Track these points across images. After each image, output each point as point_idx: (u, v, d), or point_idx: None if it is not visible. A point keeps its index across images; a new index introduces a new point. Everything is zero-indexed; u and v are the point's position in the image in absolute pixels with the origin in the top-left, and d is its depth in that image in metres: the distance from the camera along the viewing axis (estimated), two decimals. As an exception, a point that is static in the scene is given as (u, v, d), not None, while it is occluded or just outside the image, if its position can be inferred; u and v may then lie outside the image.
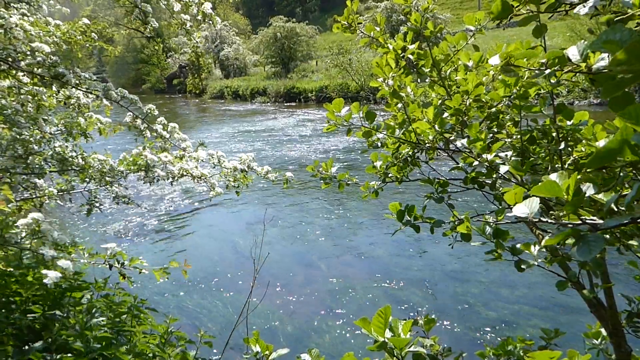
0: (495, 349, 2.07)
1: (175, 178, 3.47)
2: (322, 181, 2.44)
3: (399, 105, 2.07)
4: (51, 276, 2.02)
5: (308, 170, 2.41)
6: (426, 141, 1.97)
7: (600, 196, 0.80)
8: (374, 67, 2.09)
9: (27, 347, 2.24)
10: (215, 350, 4.80)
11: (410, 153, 2.15)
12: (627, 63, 0.70)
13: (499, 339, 4.99)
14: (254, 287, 2.61)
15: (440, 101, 2.07)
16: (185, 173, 3.47)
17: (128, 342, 2.43)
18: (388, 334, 1.21)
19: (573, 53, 1.03)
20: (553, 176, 0.80)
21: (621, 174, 1.05)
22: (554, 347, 2.12)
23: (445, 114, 1.94)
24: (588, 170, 0.95)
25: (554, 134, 1.72)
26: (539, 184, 0.78)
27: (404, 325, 1.25)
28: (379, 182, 2.30)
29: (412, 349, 1.20)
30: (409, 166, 2.22)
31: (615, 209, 0.86)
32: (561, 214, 0.86)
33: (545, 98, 1.72)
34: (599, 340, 2.11)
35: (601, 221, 0.78)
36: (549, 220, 0.85)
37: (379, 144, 2.20)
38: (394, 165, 2.23)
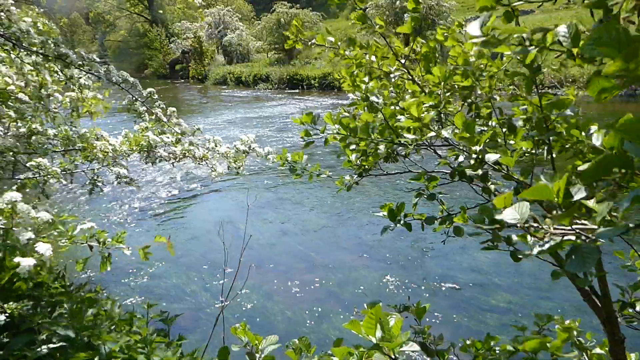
0: (477, 345, 2.09)
1: (177, 159, 3.47)
2: (291, 173, 2.44)
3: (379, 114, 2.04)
4: (24, 264, 1.81)
5: (277, 160, 2.39)
6: (407, 138, 1.96)
7: (591, 203, 0.78)
8: (344, 85, 2.07)
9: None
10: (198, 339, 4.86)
11: (389, 151, 2.13)
12: (626, 70, 0.65)
13: (488, 331, 5.03)
14: (237, 273, 2.63)
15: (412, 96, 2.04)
16: (187, 154, 3.47)
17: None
18: (379, 333, 1.20)
19: (563, 35, 0.94)
20: (543, 179, 0.79)
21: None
22: (547, 333, 2.15)
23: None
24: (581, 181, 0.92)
25: (542, 124, 1.70)
26: (531, 187, 0.76)
27: (394, 324, 1.23)
28: (356, 176, 2.27)
29: (405, 348, 1.19)
30: (388, 161, 2.20)
31: (609, 218, 0.83)
32: (550, 220, 0.84)
33: (530, 86, 1.69)
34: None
35: (594, 226, 0.76)
36: (540, 226, 0.83)
37: (354, 147, 2.18)
38: (369, 158, 2.20)
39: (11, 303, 2.47)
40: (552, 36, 1.01)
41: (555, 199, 0.79)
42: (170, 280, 6.59)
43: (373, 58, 2.01)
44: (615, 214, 0.75)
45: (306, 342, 1.43)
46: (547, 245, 0.76)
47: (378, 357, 1.35)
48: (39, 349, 2.20)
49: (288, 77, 31.85)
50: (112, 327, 2.48)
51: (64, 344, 2.24)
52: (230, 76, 37.74)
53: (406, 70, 1.99)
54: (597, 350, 2.07)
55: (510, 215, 0.84)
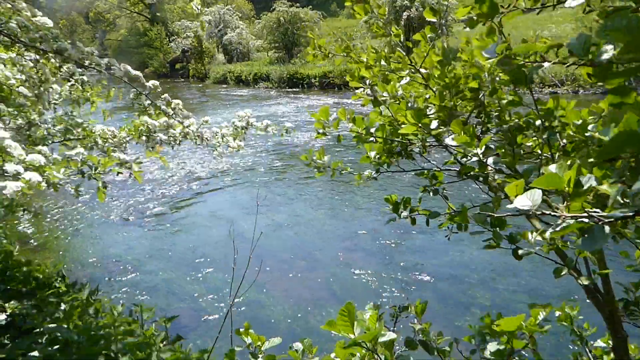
0: (479, 328, 2.10)
1: (177, 141, 3.48)
2: (315, 170, 2.45)
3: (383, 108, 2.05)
4: (10, 186, 1.76)
5: (302, 160, 2.41)
6: (414, 140, 1.96)
7: (604, 187, 0.80)
8: (349, 80, 2.08)
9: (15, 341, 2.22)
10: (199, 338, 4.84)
11: (402, 148, 2.13)
12: (634, 51, 0.68)
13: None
14: (246, 271, 2.62)
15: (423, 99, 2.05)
16: (187, 136, 3.47)
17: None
18: (358, 329, 1.20)
19: (575, 45, 0.97)
20: (552, 167, 0.79)
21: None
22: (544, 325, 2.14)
23: (432, 110, 1.92)
24: (594, 161, 0.94)
25: (538, 123, 1.70)
26: (540, 176, 0.77)
27: (370, 317, 1.24)
28: (373, 172, 2.29)
29: (383, 339, 1.19)
30: (402, 157, 2.21)
31: (621, 201, 0.85)
32: (563, 206, 0.86)
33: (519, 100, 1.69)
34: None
35: (605, 214, 0.78)
36: (552, 213, 0.84)
37: (372, 139, 2.19)
38: (387, 156, 2.21)
39: (12, 302, 2.46)
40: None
41: (566, 188, 0.80)
42: (171, 278, 6.59)
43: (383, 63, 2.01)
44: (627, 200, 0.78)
45: (308, 344, 1.43)
46: (560, 227, 0.78)
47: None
48: (42, 350, 2.20)
49: (288, 75, 31.83)
50: (118, 329, 2.47)
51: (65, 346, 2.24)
52: (231, 75, 37.71)
53: (421, 75, 1.99)
54: (600, 343, 2.06)
55: (522, 202, 0.85)
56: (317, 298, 5.90)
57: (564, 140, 1.67)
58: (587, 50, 0.97)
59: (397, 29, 1.98)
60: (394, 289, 6.01)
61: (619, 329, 1.82)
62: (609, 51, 0.89)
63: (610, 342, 2.02)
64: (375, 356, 1.17)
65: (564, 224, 0.80)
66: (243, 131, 3.87)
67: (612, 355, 1.94)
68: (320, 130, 1.99)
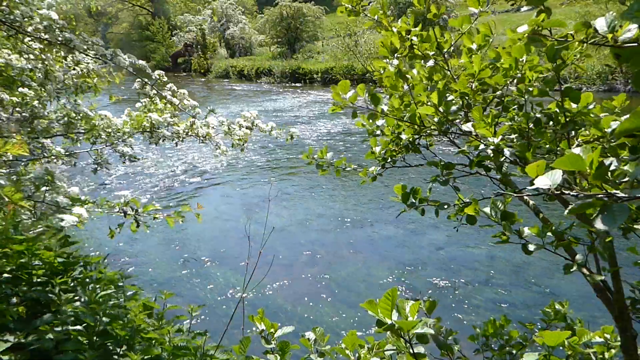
0: (484, 330, 2.09)
1: (181, 138, 3.49)
2: (318, 169, 2.43)
3: (405, 87, 2.03)
4: (67, 219, 1.98)
5: (304, 158, 2.40)
6: (431, 125, 1.94)
7: (625, 168, 0.80)
8: (380, 47, 2.05)
9: (35, 320, 2.22)
10: (208, 330, 4.82)
11: (411, 139, 2.11)
12: None
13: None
14: (256, 266, 2.61)
15: (444, 84, 2.04)
16: (190, 132, 3.48)
17: (125, 318, 2.40)
18: (395, 316, 1.21)
19: (600, 25, 1.03)
20: (577, 150, 0.80)
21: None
22: (556, 330, 2.12)
23: (451, 97, 1.90)
24: (613, 142, 0.94)
25: (561, 118, 1.69)
26: (562, 157, 0.78)
27: (411, 307, 1.25)
28: (378, 168, 2.27)
29: (419, 330, 1.20)
30: (409, 151, 2.20)
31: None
32: (583, 185, 0.86)
33: (553, 81, 1.68)
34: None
35: (624, 195, 0.78)
36: (571, 193, 0.84)
37: (379, 132, 2.17)
38: (394, 152, 2.20)
39: (24, 287, 2.44)
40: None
41: (588, 170, 0.80)
42: (177, 271, 6.59)
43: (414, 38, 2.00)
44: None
45: (320, 332, 1.43)
46: (579, 203, 0.79)
47: (389, 348, 1.34)
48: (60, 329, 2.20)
49: (290, 70, 31.80)
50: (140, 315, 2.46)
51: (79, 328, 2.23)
52: (233, 69, 37.66)
53: (444, 60, 1.97)
54: (596, 338, 2.04)
55: (543, 181, 0.86)
56: (321, 293, 5.90)
57: (579, 139, 1.66)
58: (613, 29, 1.02)
59: (408, 17, 1.96)
60: (399, 284, 6.00)
61: (629, 327, 1.81)
62: (632, 30, 0.93)
63: (607, 336, 2.00)
64: (407, 345, 1.17)
65: (585, 201, 0.81)
66: (249, 132, 3.88)
67: (612, 351, 1.93)
68: (338, 103, 1.96)
